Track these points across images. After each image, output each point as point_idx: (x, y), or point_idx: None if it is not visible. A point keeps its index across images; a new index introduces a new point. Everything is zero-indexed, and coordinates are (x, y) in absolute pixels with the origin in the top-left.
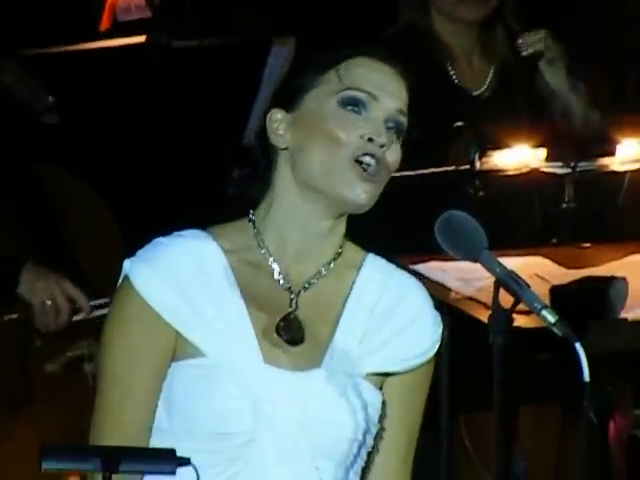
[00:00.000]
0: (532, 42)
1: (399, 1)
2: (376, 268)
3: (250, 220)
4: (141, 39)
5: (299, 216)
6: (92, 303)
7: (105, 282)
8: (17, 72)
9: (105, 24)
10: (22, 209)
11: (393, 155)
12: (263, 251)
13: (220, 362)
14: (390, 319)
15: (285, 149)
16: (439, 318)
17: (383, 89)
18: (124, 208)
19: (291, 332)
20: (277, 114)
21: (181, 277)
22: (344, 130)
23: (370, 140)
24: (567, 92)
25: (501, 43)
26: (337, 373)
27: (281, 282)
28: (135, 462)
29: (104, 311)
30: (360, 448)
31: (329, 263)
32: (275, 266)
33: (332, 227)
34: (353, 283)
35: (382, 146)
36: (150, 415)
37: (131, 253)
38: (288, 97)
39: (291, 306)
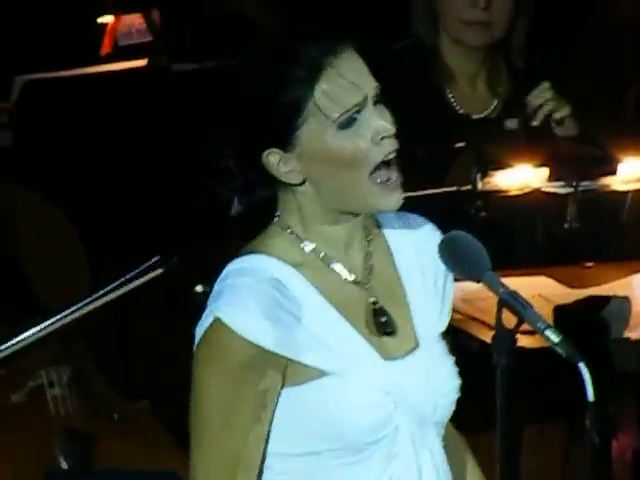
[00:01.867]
0: (538, 107)
1: (411, 16)
2: (390, 222)
3: (288, 230)
4: (142, 63)
5: (336, 219)
6: None
7: (61, 300)
8: None
9: (106, 48)
10: None
11: (389, 123)
12: (321, 256)
13: (348, 376)
14: (430, 270)
15: (302, 183)
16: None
17: (361, 83)
18: (97, 232)
19: (387, 324)
20: (275, 155)
21: (278, 308)
22: (356, 150)
23: (382, 139)
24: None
25: (503, 76)
26: (431, 344)
27: (348, 278)
28: None
29: None
30: None
31: (367, 241)
32: (336, 266)
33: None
34: (389, 249)
35: (392, 136)
36: (259, 458)
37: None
38: (279, 137)
39: (370, 298)
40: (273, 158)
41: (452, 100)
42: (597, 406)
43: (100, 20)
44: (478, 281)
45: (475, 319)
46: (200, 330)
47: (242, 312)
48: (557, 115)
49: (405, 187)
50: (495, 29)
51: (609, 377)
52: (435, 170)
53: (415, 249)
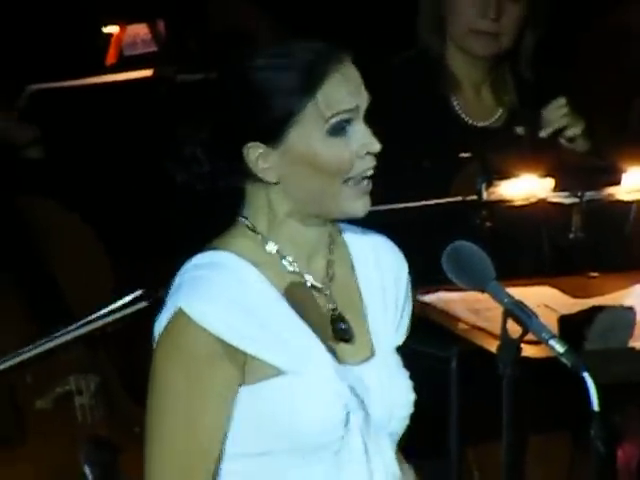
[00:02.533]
0: (554, 120)
1: (417, 24)
2: (355, 235)
3: (253, 230)
4: (147, 73)
5: (304, 222)
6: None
7: (91, 311)
8: None
9: (111, 58)
10: (4, 242)
11: (376, 141)
12: (284, 257)
13: (303, 375)
14: (391, 289)
15: (276, 183)
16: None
17: (356, 93)
18: (117, 241)
19: (345, 330)
20: (258, 149)
21: (238, 303)
22: (339, 160)
23: (366, 154)
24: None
25: (509, 86)
26: (387, 356)
27: (309, 283)
28: None
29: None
30: None
31: (330, 249)
32: (297, 269)
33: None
34: (351, 261)
35: (375, 154)
36: (218, 453)
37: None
38: (268, 132)
39: (329, 304)
40: (253, 152)
41: (458, 109)
42: (602, 416)
43: (105, 30)
44: (483, 291)
45: (480, 329)
46: (160, 323)
47: (204, 303)
48: (570, 132)
49: (410, 197)
50: (503, 40)
51: (614, 387)
52: (440, 180)
53: (376, 265)
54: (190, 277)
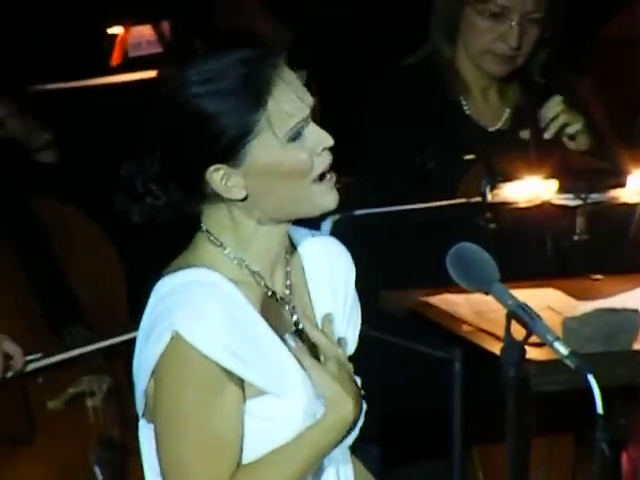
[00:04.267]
0: (553, 118)
1: (430, 26)
2: (306, 242)
3: (221, 246)
4: (152, 74)
5: (267, 235)
6: (27, 358)
7: (103, 314)
8: (9, 108)
9: (116, 59)
10: (19, 243)
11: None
12: (253, 272)
13: (283, 397)
14: (340, 293)
15: (243, 199)
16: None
17: (303, 96)
18: (128, 242)
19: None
20: (220, 170)
21: (232, 325)
22: (302, 163)
23: (322, 150)
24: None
25: (517, 87)
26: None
27: (276, 295)
28: None
29: (38, 364)
30: None
31: (286, 257)
32: (264, 284)
33: None
34: (303, 269)
35: (330, 149)
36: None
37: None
38: (228, 153)
39: (293, 316)
40: (217, 174)
41: (468, 112)
42: (606, 418)
43: (110, 31)
44: (487, 293)
45: (484, 331)
46: (157, 349)
47: (202, 327)
48: (570, 130)
49: (416, 199)
50: (519, 60)
51: (618, 389)
52: (446, 182)
53: (328, 270)
54: (180, 299)
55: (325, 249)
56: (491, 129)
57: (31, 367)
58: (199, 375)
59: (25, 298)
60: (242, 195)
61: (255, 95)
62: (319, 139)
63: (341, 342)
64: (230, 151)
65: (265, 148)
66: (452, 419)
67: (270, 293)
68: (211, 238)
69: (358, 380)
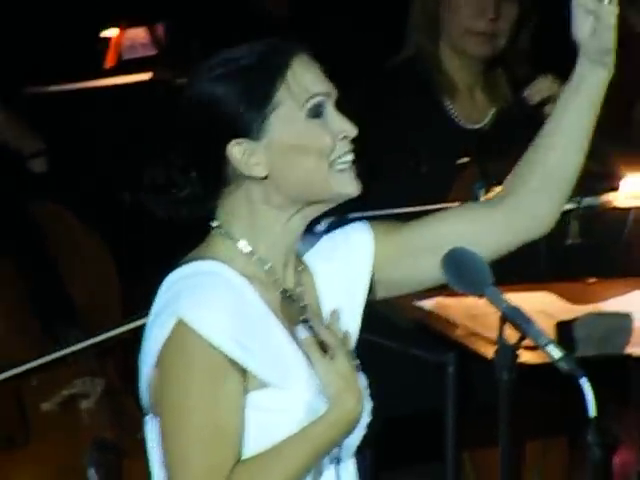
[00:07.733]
0: (540, 90)
1: (408, 26)
2: (314, 245)
3: (232, 239)
4: (146, 76)
5: (289, 224)
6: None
7: (98, 317)
8: (3, 114)
9: (110, 62)
10: (12, 245)
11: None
12: (266, 267)
13: (287, 390)
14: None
15: (264, 178)
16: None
17: (323, 79)
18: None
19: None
20: (242, 144)
21: (237, 315)
22: (322, 140)
23: (344, 137)
24: None
25: (502, 84)
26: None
27: (287, 293)
28: None
29: (31, 364)
30: None
31: (296, 257)
32: (275, 279)
33: None
34: (309, 270)
35: (350, 139)
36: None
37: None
38: (249, 125)
39: (302, 314)
40: (239, 150)
41: (452, 112)
42: (599, 422)
43: (104, 34)
44: (480, 296)
45: (477, 334)
46: (161, 334)
47: (207, 313)
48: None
49: (408, 203)
50: (499, 40)
51: (611, 393)
52: (438, 185)
53: (345, 264)
54: (187, 286)
55: (346, 241)
56: (475, 127)
57: (24, 367)
58: (202, 362)
59: (18, 299)
60: (263, 173)
61: (274, 67)
62: (342, 125)
63: (347, 337)
64: (250, 122)
65: (286, 121)
66: (446, 422)
67: (281, 289)
68: (224, 232)
69: (364, 378)
